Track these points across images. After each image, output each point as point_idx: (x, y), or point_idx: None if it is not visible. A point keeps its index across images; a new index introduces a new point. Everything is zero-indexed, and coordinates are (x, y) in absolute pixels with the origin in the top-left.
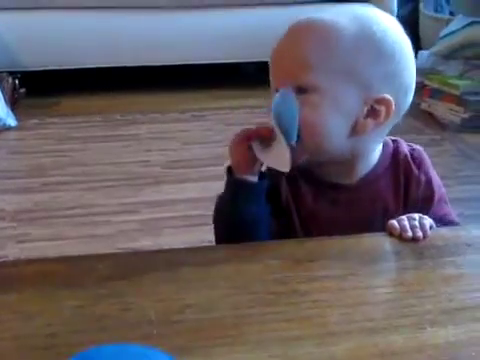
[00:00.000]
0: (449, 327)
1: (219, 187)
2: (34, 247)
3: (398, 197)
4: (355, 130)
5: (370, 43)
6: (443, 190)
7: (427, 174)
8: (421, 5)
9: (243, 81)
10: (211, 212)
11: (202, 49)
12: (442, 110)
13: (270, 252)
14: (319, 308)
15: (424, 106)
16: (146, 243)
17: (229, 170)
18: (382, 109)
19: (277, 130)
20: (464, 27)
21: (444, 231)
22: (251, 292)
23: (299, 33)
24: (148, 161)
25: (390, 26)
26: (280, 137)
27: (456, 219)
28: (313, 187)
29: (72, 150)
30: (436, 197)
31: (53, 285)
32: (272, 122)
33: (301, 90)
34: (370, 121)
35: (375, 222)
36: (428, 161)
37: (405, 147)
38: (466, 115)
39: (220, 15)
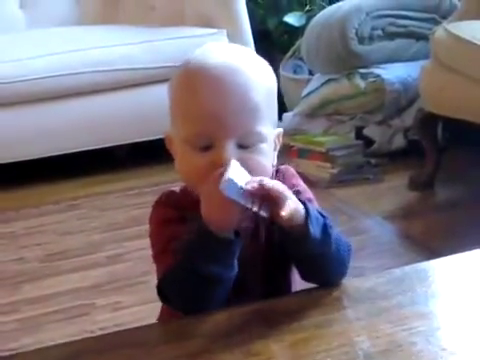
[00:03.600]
0: None
1: (98, 274)
2: None
3: None
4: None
5: (274, 84)
6: (311, 195)
7: (290, 180)
8: (280, 68)
9: (115, 165)
10: (90, 301)
11: (72, 138)
12: (310, 168)
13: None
14: None
15: (293, 167)
16: (27, 342)
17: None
18: (278, 142)
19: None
20: (322, 85)
21: (292, 296)
22: None
23: (241, 81)
24: (25, 258)
25: None
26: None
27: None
28: None
29: None
30: (304, 197)
31: None
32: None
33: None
34: (274, 154)
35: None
36: (292, 170)
37: None
38: (334, 170)
39: (87, 102)
